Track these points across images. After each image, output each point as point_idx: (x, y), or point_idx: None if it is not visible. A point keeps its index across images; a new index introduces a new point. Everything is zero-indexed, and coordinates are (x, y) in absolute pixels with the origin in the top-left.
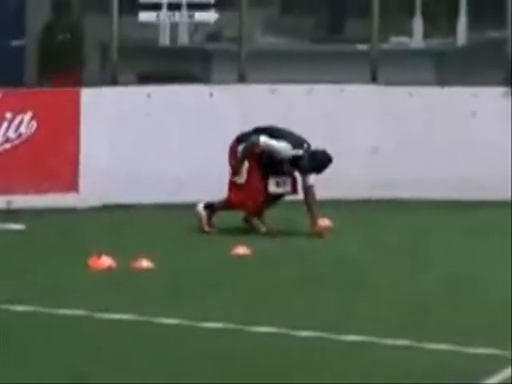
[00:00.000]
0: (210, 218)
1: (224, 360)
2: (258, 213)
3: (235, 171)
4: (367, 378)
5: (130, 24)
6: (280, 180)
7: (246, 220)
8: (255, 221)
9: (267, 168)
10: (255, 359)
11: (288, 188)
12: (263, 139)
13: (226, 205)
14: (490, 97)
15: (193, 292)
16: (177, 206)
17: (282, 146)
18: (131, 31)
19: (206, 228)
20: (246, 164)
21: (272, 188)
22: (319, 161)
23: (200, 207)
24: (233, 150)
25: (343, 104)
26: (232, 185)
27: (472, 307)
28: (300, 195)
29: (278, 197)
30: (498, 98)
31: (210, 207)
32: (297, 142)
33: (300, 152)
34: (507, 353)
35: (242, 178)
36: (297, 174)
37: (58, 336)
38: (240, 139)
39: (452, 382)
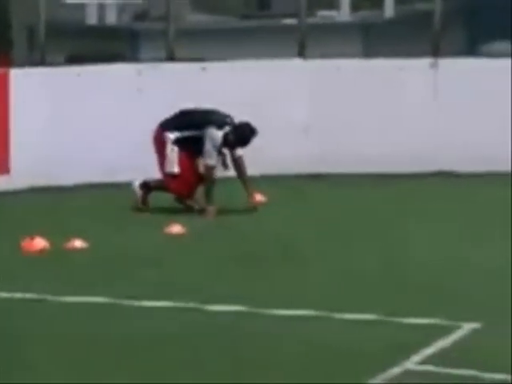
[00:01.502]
0: (145, 196)
1: (156, 339)
2: (191, 196)
3: (163, 161)
4: (291, 350)
5: (57, 4)
6: None
7: (179, 199)
8: (188, 200)
9: (195, 150)
10: (180, 337)
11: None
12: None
13: (163, 187)
14: (417, 68)
15: (126, 271)
16: (109, 186)
17: (214, 140)
18: (58, 11)
19: (140, 205)
20: (176, 152)
21: (202, 169)
22: (244, 134)
23: (136, 185)
24: (157, 138)
25: (272, 79)
26: (167, 176)
27: (405, 279)
28: (230, 172)
29: None
30: (425, 70)
31: (146, 186)
32: (221, 120)
33: (226, 129)
34: (445, 322)
35: (174, 168)
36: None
37: None
38: (163, 126)
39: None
